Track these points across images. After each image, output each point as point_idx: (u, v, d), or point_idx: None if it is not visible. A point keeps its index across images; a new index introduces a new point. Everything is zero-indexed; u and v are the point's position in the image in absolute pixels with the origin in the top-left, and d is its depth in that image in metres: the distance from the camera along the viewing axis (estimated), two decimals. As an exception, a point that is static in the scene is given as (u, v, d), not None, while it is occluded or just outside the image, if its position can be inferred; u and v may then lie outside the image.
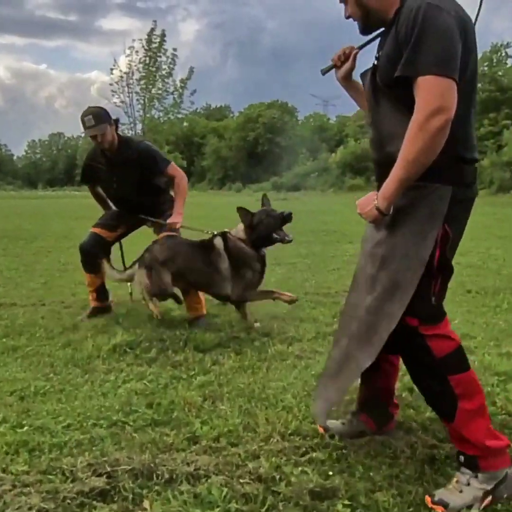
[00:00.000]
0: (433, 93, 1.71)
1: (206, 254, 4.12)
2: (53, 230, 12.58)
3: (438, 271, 1.91)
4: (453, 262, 1.96)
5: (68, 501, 1.91)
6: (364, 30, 2.08)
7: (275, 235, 3.97)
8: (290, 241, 4.02)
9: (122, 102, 32.03)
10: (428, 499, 1.94)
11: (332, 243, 10.18)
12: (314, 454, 2.28)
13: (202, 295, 4.37)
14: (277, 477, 2.10)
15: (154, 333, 3.91)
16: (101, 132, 4.23)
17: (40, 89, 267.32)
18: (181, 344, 3.67)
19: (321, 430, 2.46)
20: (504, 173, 32.36)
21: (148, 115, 31.72)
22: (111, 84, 32.55)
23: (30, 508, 1.84)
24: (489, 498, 1.92)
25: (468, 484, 1.93)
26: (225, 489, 1.99)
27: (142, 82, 31.30)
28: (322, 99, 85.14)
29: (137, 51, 31.87)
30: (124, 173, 4.40)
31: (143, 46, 31.88)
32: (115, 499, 1.96)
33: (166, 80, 32.26)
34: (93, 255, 4.46)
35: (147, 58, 31.83)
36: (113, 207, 4.83)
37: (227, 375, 3.14)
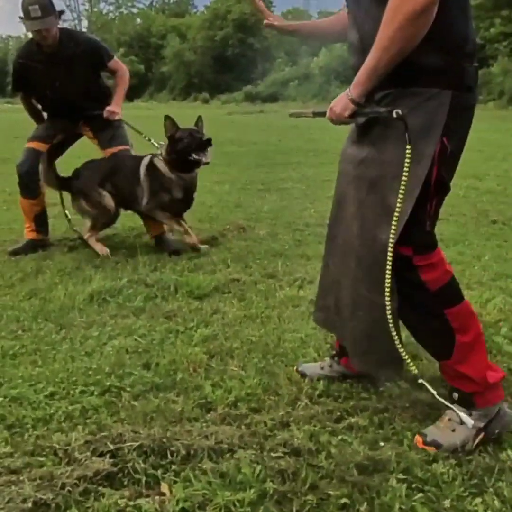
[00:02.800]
0: None
1: (135, 168, 4.45)
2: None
3: (435, 192, 1.90)
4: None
5: (68, 488, 1.80)
6: None
7: (194, 156, 4.25)
8: (207, 163, 4.31)
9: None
10: (419, 439, 2.03)
11: (324, 165, 9.96)
12: (352, 419, 2.22)
13: None
14: (314, 448, 2.04)
15: (136, 276, 3.77)
16: (47, 26, 4.09)
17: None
18: (171, 289, 3.54)
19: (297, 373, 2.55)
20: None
21: (95, 9, 30.34)
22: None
23: (24, 500, 1.73)
24: (482, 435, 2.02)
25: (461, 423, 2.01)
26: (257, 466, 1.91)
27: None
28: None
29: None
30: (67, 71, 4.34)
31: None
32: (125, 483, 1.86)
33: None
34: (32, 174, 4.39)
35: None
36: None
37: (232, 327, 3.03)
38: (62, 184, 4.54)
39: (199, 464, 1.94)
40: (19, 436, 2.10)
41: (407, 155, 1.80)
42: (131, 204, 4.56)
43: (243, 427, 2.15)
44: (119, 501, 1.76)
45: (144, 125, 5.04)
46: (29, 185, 4.44)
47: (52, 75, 4.31)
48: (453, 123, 1.83)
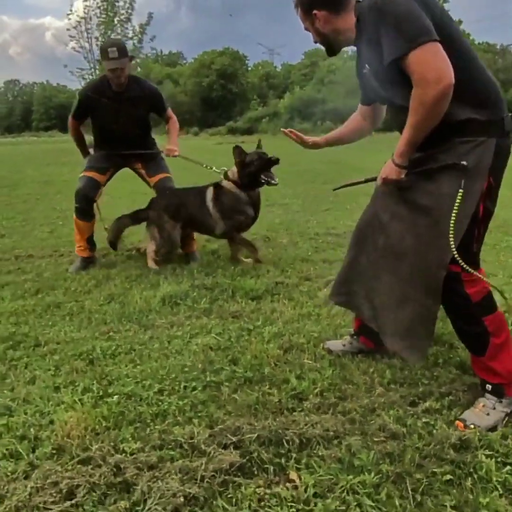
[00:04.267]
0: (424, 64, 1.69)
1: (202, 200, 4.08)
2: (31, 177, 11.64)
3: (481, 221, 1.91)
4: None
5: (207, 480, 1.59)
6: (330, 53, 2.16)
7: (263, 177, 3.91)
8: (275, 184, 3.97)
9: (81, 47, 29.84)
10: (460, 424, 1.95)
11: (309, 183, 9.82)
12: (426, 404, 2.05)
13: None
14: (406, 431, 1.86)
15: (196, 281, 3.53)
16: (123, 66, 3.87)
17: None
18: (230, 292, 3.31)
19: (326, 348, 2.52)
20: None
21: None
22: (68, 29, 30.29)
23: (174, 495, 1.52)
24: (506, 418, 2.02)
25: (494, 408, 2.00)
26: (371, 452, 1.72)
27: (101, 27, 28.96)
28: (268, 48, 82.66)
29: (93, -4, 29.41)
30: (131, 110, 4.07)
31: (100, -9, 29.30)
32: (256, 473, 1.66)
33: (125, 25, 30.16)
34: (91, 199, 4.10)
35: (105, 3, 29.37)
36: (91, 151, 4.39)
37: (293, 324, 2.83)
38: (134, 220, 4.25)
39: (314, 451, 1.75)
40: (142, 431, 1.88)
41: (459, 194, 1.81)
42: (205, 232, 4.25)
43: (338, 415, 1.96)
44: (257, 490, 1.56)
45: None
46: (84, 210, 4.10)
47: (116, 111, 4.04)
48: (496, 163, 1.85)
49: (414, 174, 1.96)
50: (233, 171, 4.00)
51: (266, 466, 1.67)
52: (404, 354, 2.22)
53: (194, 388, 2.16)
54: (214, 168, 4.25)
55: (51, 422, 1.94)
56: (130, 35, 30.40)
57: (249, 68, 65.89)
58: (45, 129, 63.21)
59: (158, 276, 3.68)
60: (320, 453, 1.73)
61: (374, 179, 2.13)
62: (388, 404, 2.04)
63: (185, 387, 2.16)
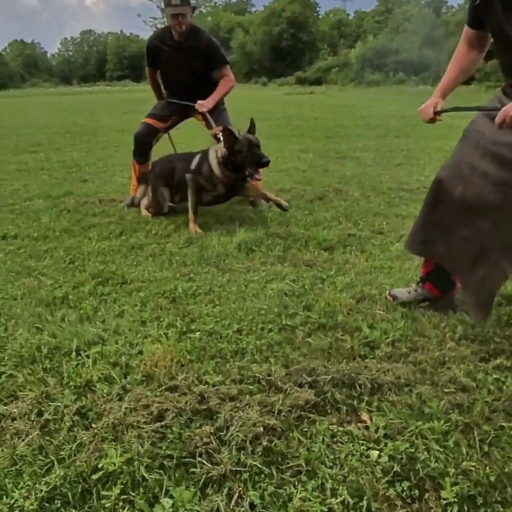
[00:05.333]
0: None
1: (188, 167, 3.91)
2: (108, 125, 11.96)
3: None
4: None
5: (284, 414, 1.68)
6: None
7: (248, 170, 3.62)
8: (259, 180, 3.74)
9: (154, -4, 29.44)
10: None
11: (380, 138, 9.46)
12: (496, 361, 2.02)
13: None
14: (475, 385, 1.85)
15: (270, 230, 3.58)
16: (184, 12, 3.93)
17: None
18: (303, 242, 3.34)
19: (389, 298, 2.49)
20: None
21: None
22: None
23: (254, 424, 1.61)
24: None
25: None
26: (441, 401, 1.74)
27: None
28: (340, -6, 78.58)
29: None
30: (189, 60, 4.11)
31: None
32: (329, 411, 1.72)
33: (196, -29, 29.52)
34: (147, 144, 4.35)
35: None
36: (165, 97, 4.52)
37: (365, 275, 2.83)
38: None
39: (385, 397, 1.79)
40: (222, 366, 1.98)
41: None
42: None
43: (409, 364, 1.98)
44: (330, 427, 1.63)
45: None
46: (141, 152, 4.38)
47: (175, 59, 4.12)
48: None
49: None
50: (223, 150, 3.70)
51: (339, 406, 1.73)
52: (471, 310, 2.22)
53: (270, 330, 2.23)
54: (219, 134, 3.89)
55: (140, 352, 2.08)
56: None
57: (320, 16, 63.26)
58: (118, 79, 64.12)
59: (233, 223, 3.75)
60: (390, 398, 1.77)
61: (490, 110, 1.96)
62: (459, 358, 2.03)
63: (262, 328, 2.24)
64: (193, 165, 3.86)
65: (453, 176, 2.16)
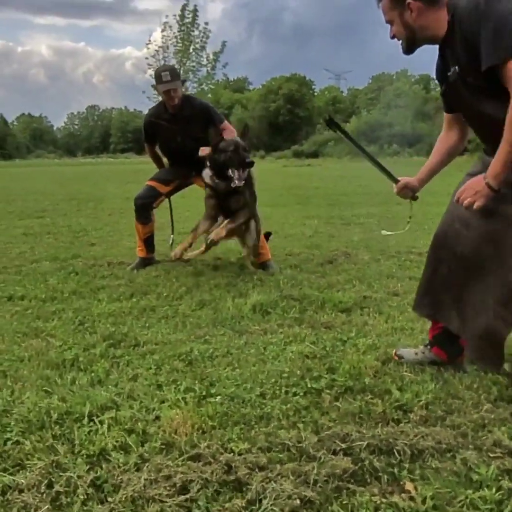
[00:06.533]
0: None
1: None
2: (113, 193, 12.17)
3: None
4: None
5: (320, 485, 1.53)
6: (408, 50, 1.97)
7: (230, 172, 3.58)
8: (237, 185, 3.58)
9: (158, 75, 31.04)
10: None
11: (382, 205, 9.58)
12: (538, 425, 1.89)
13: (263, 241, 4.29)
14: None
15: (283, 292, 3.50)
16: (175, 87, 4.11)
17: (78, 65, 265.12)
18: (319, 304, 3.26)
19: (395, 357, 2.41)
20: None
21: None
22: (146, 58, 31.51)
23: (289, 496, 1.46)
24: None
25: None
26: (490, 467, 1.60)
27: (178, 55, 30.15)
28: (335, 73, 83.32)
29: (171, 26, 30.73)
30: (187, 128, 4.24)
31: (177, 22, 30.67)
32: (369, 481, 1.58)
33: (199, 53, 31.24)
34: (147, 204, 4.39)
35: (181, 33, 30.63)
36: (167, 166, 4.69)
37: (387, 337, 2.73)
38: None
39: (427, 463, 1.65)
40: (247, 432, 1.84)
41: None
42: None
43: (448, 428, 1.85)
44: (373, 498, 1.48)
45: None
46: (142, 213, 4.41)
47: (174, 131, 4.27)
48: None
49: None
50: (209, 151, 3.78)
51: (379, 474, 1.59)
52: (479, 364, 2.20)
53: (295, 394, 2.10)
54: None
55: (157, 418, 1.94)
56: (204, 62, 31.41)
57: (316, 93, 66.37)
58: (121, 151, 66.29)
59: (246, 285, 3.68)
60: (433, 465, 1.63)
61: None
62: (499, 420, 1.90)
63: (286, 392, 2.12)
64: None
65: (448, 231, 2.16)
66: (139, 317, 3.11)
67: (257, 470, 1.60)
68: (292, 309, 3.15)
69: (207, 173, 3.87)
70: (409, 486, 1.54)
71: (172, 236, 4.75)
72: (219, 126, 4.23)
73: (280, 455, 1.69)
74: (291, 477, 1.56)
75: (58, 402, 2.04)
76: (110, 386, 2.21)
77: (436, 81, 2.12)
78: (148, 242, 4.48)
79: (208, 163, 3.81)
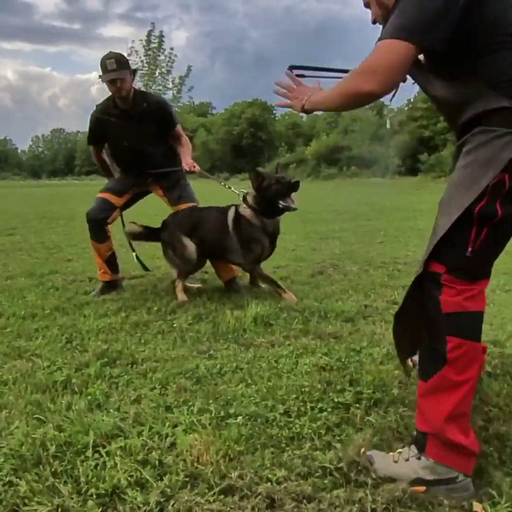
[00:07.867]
0: (372, 57, 1.42)
1: (223, 220, 3.58)
2: (82, 212, 11.63)
3: (480, 221, 1.42)
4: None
5: (380, 516, 1.28)
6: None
7: (281, 203, 3.40)
8: (295, 209, 3.42)
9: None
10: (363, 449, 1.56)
11: (352, 221, 9.53)
12: None
13: None
14: None
15: (282, 304, 3.25)
16: (121, 76, 3.47)
17: (44, 90, 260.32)
18: (322, 314, 3.02)
19: (411, 364, 2.00)
20: None
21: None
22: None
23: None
24: (423, 488, 1.42)
25: (407, 460, 1.47)
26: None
27: (144, 78, 29.79)
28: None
29: (137, 51, 30.39)
30: (139, 127, 3.65)
31: (143, 46, 30.24)
32: (433, 504, 1.34)
33: (165, 77, 30.89)
34: (101, 220, 3.72)
35: (147, 57, 30.35)
36: (116, 175, 4.00)
37: (400, 346, 2.52)
38: (148, 235, 3.83)
39: (488, 479, 1.43)
40: (278, 456, 1.58)
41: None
42: (220, 254, 3.65)
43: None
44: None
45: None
46: (97, 231, 3.76)
47: (125, 129, 3.65)
48: None
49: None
50: (252, 194, 3.53)
51: (440, 497, 1.35)
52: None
53: (322, 410, 1.86)
54: (232, 188, 3.83)
55: (173, 445, 1.66)
56: (170, 86, 31.12)
57: (277, 118, 67.21)
58: (86, 174, 65.00)
59: (241, 298, 3.43)
60: (497, 481, 1.41)
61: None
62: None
63: (312, 408, 1.86)
64: (230, 222, 3.52)
65: None
66: (132, 333, 2.80)
67: (304, 501, 1.34)
68: (294, 320, 2.90)
69: (256, 222, 3.51)
70: (477, 507, 1.32)
71: (134, 253, 4.07)
72: (175, 129, 3.80)
73: (324, 482, 1.43)
74: (346, 506, 1.30)
75: (54, 432, 1.73)
76: (112, 411, 1.91)
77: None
78: (111, 262, 3.84)
79: (255, 206, 3.48)
